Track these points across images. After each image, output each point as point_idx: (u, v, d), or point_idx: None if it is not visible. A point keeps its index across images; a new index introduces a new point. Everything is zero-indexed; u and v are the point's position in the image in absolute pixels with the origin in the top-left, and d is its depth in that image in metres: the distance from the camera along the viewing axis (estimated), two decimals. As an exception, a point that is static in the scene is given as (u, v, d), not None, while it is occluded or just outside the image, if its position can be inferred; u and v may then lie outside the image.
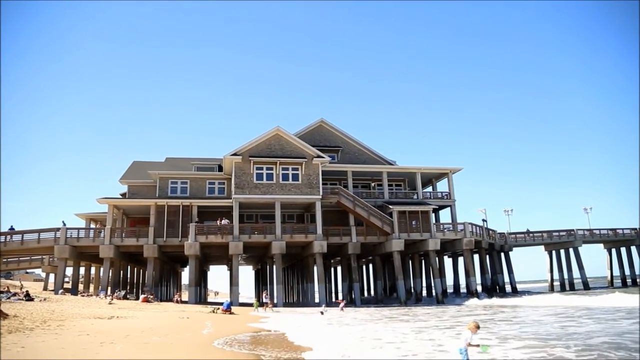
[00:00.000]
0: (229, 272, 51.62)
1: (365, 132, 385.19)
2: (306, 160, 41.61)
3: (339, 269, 60.78)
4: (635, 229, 59.52)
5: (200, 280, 52.93)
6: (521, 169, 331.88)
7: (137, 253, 41.62)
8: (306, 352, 12.61)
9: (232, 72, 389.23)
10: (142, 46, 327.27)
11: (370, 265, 59.33)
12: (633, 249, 59.65)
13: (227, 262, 55.80)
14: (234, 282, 40.52)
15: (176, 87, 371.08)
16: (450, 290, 51.32)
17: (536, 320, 21.20)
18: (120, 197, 45.08)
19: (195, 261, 39.50)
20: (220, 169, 44.82)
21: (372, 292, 57.04)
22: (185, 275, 60.34)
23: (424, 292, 50.84)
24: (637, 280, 59.47)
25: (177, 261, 55.15)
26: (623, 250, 60.78)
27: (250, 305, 39.87)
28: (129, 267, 47.30)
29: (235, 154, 40.75)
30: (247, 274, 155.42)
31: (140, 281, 52.40)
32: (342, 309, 32.89)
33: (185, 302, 39.56)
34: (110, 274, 40.61)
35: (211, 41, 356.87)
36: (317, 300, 43.30)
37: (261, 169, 41.08)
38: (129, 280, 47.71)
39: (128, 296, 38.47)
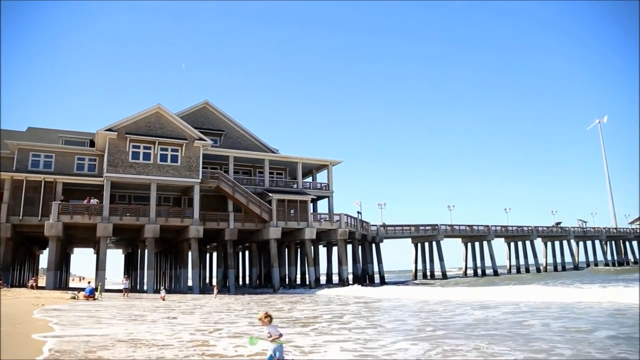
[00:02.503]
0: (95, 255, 48.46)
1: (250, 119, 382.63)
2: (187, 142, 40.23)
3: (214, 255, 59.84)
4: (488, 225, 66.29)
5: (62, 264, 49.00)
6: (397, 166, 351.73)
7: (-14, 232, 37.27)
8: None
9: (113, 52, 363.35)
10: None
11: (247, 252, 59.28)
12: (485, 244, 66.48)
13: (94, 244, 52.30)
14: (100, 266, 38.03)
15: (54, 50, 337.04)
16: (323, 278, 53.13)
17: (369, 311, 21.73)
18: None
19: (56, 243, 36.34)
20: (93, 144, 41.66)
21: (248, 279, 57.07)
22: (45, 258, 55.42)
23: (298, 280, 52.05)
24: (486, 271, 66.54)
25: (36, 243, 50.33)
26: (477, 244, 67.64)
27: (118, 291, 37.76)
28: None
29: (110, 130, 37.98)
30: (116, 258, 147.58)
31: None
32: (216, 296, 32.54)
33: (42, 288, 36.27)
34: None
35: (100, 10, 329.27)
36: (190, 285, 42.35)
37: (138, 147, 38.84)
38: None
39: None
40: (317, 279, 46.65)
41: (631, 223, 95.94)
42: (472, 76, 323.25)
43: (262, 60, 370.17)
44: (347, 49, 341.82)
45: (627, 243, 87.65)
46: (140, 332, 12.86)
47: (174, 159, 39.89)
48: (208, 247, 57.91)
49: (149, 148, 39.08)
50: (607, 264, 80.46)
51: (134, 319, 17.05)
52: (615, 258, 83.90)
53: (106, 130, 37.82)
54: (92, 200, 37.62)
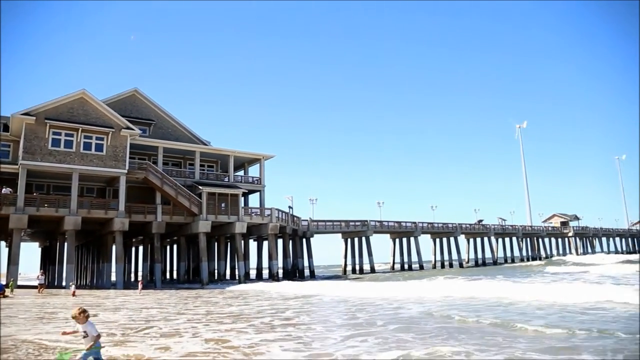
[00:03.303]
0: (7, 249, 45.28)
1: (182, 111, 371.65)
2: (113, 130, 38.39)
3: (140, 248, 57.76)
4: (415, 222, 68.54)
5: (-31, 256, 45.32)
6: (329, 163, 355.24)
7: None
8: None
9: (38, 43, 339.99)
10: None
11: (175, 246, 57.68)
12: (412, 239, 68.73)
13: (6, 237, 48.85)
14: (13, 260, 35.40)
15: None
16: (253, 272, 52.73)
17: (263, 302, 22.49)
18: None
19: (-37, 234, 33.59)
20: (7, 129, 38.77)
21: (175, 274, 55.54)
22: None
23: (228, 275, 51.34)
24: (412, 266, 68.86)
25: (-61, 234, 46.32)
26: (405, 240, 69.85)
27: (33, 287, 35.44)
28: None
29: (27, 114, 35.41)
30: (32, 251, 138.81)
31: None
32: (140, 291, 31.42)
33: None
34: None
35: None
36: (113, 281, 40.64)
37: (59, 134, 36.53)
38: None
39: None
40: (247, 274, 46.27)
41: (544, 221, 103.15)
42: (401, 73, 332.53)
43: (198, 52, 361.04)
44: (281, 44, 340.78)
45: (540, 240, 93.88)
46: (49, 331, 12.08)
47: (99, 147, 37.96)
48: (134, 240, 55.76)
49: (71, 135, 36.90)
50: (522, 259, 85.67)
51: (42, 317, 16.01)
52: (530, 254, 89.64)
53: (23, 114, 35.19)
54: (4, 189, 35.05)
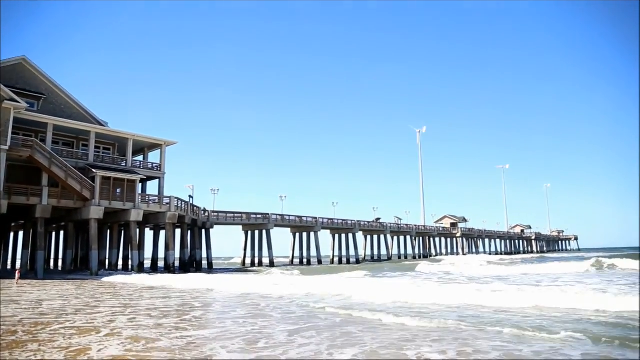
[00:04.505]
0: None
1: (77, 88, 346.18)
2: (-5, 102, 34.65)
3: (20, 234, 52.88)
4: (316, 217, 69.60)
5: None
6: (232, 155, 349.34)
7: None
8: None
9: None
10: None
11: (62, 233, 53.54)
12: (312, 234, 69.73)
13: None
14: None
15: None
16: (148, 263, 50.50)
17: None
18: None
19: None
20: None
21: (61, 263, 51.52)
22: None
23: (120, 265, 48.62)
24: (311, 260, 69.83)
25: None
26: (305, 235, 70.65)
27: None
28: None
29: None
30: None
31: None
32: (17, 282, 28.68)
33: None
34: None
35: None
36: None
37: None
38: None
39: None
40: (141, 264, 44.13)
41: (436, 222, 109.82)
42: (312, 73, 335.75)
43: (101, 30, 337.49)
44: (190, 29, 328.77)
45: (431, 239, 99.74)
46: None
47: (-24, 120, 34.10)
48: (13, 225, 50.96)
49: (-57, 104, 32.79)
50: (414, 257, 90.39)
51: None
52: (422, 252, 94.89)
53: None
54: None
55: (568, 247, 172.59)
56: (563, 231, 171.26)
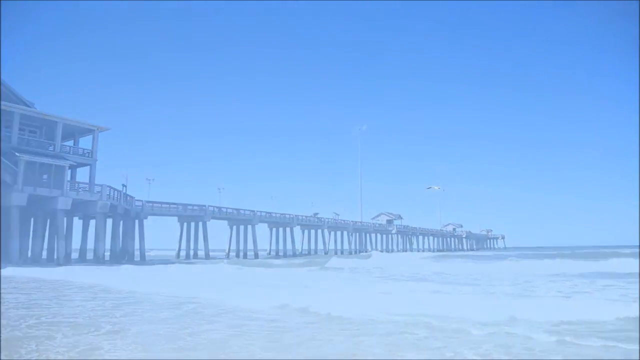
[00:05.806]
0: None
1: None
2: None
3: None
4: (254, 210, 69.07)
5: None
6: (169, 144, 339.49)
7: None
8: None
9: None
10: None
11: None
12: (249, 227, 69.12)
13: None
14: None
15: None
16: (75, 254, 48.17)
17: None
18: None
19: None
20: None
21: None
22: None
23: (45, 255, 46.03)
24: (248, 253, 69.30)
25: None
26: (242, 227, 69.91)
27: None
28: None
29: None
30: None
31: None
32: None
33: None
34: None
35: None
36: None
37: None
38: None
39: None
40: (68, 255, 42.04)
41: (373, 218, 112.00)
42: (263, 67, 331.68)
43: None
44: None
45: (367, 235, 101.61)
46: None
47: None
48: None
49: None
50: (350, 252, 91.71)
51: None
52: (358, 247, 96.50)
53: None
54: None
55: (495, 245, 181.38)
56: (491, 230, 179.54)
